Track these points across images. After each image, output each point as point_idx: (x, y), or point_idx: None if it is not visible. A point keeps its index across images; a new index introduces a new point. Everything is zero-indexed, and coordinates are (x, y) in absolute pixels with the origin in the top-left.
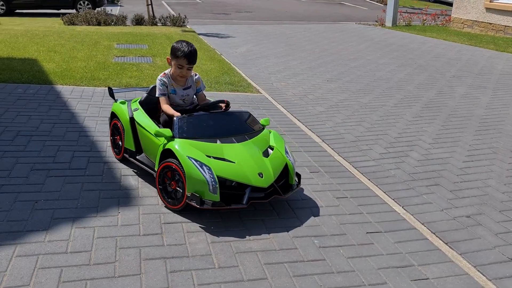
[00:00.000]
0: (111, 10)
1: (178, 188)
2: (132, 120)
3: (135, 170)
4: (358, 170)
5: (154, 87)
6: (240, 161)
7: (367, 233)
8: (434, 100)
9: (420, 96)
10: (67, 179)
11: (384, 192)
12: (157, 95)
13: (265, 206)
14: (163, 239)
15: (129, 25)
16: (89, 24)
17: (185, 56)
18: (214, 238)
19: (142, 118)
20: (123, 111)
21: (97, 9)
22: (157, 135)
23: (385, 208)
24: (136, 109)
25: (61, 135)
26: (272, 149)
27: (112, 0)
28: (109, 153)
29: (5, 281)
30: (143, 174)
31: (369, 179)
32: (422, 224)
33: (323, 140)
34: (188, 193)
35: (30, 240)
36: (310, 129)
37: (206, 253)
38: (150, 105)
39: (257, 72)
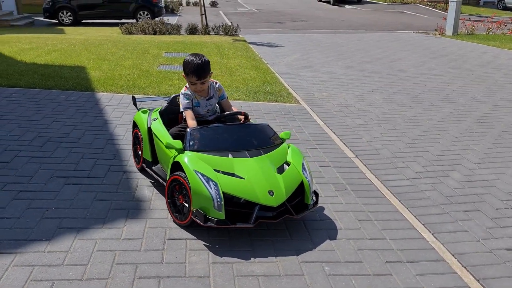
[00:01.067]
0: (168, 19)
1: (185, 203)
2: (149, 130)
3: (152, 181)
4: (389, 190)
5: (175, 97)
6: (250, 177)
7: (386, 262)
8: (488, 115)
9: (472, 110)
10: (83, 188)
11: (414, 216)
12: (181, 110)
13: (278, 225)
14: (163, 256)
15: (183, 34)
16: (145, 33)
17: (193, 72)
18: (216, 258)
19: (159, 128)
20: (143, 121)
21: (156, 18)
22: (168, 147)
23: (413, 234)
24: (155, 119)
25: (89, 142)
26: (288, 164)
27: (172, 10)
28: (131, 162)
29: None
30: (159, 185)
31: (399, 201)
32: (453, 255)
33: (356, 156)
34: (193, 209)
35: (31, 250)
36: (344, 143)
37: (204, 274)
38: (170, 115)
39: (300, 82)
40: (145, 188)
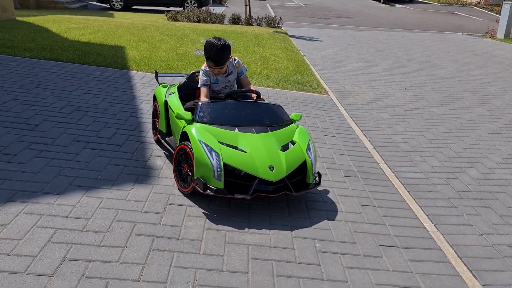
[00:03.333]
0: (214, 9)
1: (189, 172)
2: (166, 103)
3: (165, 153)
4: (399, 180)
5: (193, 73)
6: (252, 151)
7: (380, 245)
8: None
9: (506, 112)
10: (100, 153)
11: (420, 207)
12: (199, 85)
13: (279, 202)
14: (161, 219)
15: (226, 24)
16: (189, 21)
17: (212, 59)
18: (212, 225)
19: (174, 101)
20: (161, 94)
21: (202, 8)
22: (178, 117)
23: (414, 223)
24: (172, 93)
25: (114, 114)
26: (294, 144)
27: (220, 1)
28: (149, 134)
29: (3, 232)
30: (170, 156)
31: (408, 191)
32: (451, 246)
33: (374, 147)
34: (195, 177)
35: (42, 201)
36: (364, 134)
37: (196, 238)
38: (188, 90)
39: (333, 74)
40: (158, 158)
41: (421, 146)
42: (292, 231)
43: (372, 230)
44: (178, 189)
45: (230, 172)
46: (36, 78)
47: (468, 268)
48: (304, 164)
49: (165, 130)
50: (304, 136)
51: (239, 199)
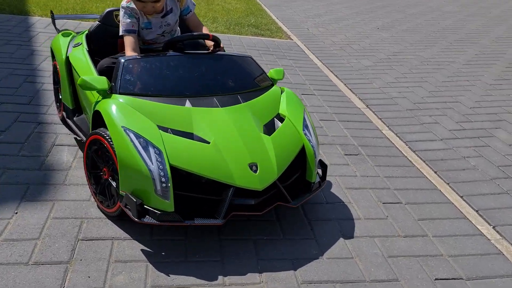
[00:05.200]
0: None
1: (113, 181)
2: (68, 61)
3: (78, 138)
4: (417, 155)
5: (111, 12)
6: (219, 140)
7: (435, 279)
8: None
9: (501, 52)
10: None
11: (461, 197)
12: (120, 33)
13: (266, 214)
14: (65, 277)
15: None
16: None
17: None
18: (159, 278)
19: (80, 58)
20: (61, 48)
21: None
22: (84, 86)
23: (465, 227)
24: (77, 45)
25: None
26: (282, 120)
27: None
28: (52, 109)
29: None
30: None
31: (435, 172)
32: None
33: (367, 106)
34: (122, 192)
35: None
36: (350, 90)
37: None
38: (104, 40)
39: (292, 15)
40: (65, 149)
41: (424, 102)
42: (295, 270)
43: (413, 250)
44: (98, 206)
45: (184, 179)
46: None
47: None
48: (302, 153)
49: (70, 105)
50: (296, 106)
51: (205, 226)
